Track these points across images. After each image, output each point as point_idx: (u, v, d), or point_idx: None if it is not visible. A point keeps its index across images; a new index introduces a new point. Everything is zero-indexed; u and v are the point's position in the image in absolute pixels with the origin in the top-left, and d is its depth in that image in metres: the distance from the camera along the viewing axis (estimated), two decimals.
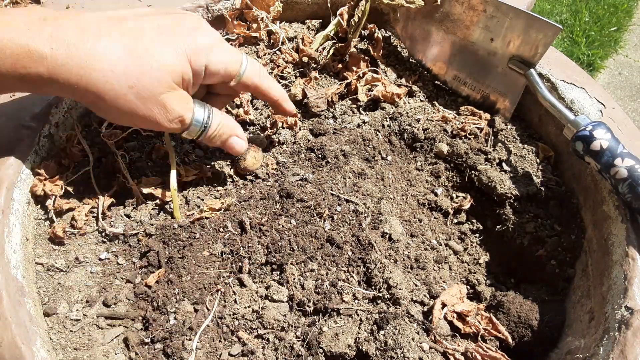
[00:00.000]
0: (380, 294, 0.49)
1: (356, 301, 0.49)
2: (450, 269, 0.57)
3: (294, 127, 0.63)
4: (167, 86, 0.45)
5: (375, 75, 0.66)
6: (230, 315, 0.48)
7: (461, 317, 0.50)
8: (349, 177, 0.57)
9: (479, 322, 0.49)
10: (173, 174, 0.55)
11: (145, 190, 0.56)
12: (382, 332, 0.46)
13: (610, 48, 2.42)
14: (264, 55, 0.70)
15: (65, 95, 0.48)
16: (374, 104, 0.67)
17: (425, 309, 0.50)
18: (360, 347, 0.46)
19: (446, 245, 0.59)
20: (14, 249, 0.47)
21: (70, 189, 0.55)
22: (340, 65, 0.69)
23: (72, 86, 0.42)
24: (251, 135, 0.63)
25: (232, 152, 0.55)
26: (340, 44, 0.69)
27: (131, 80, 0.43)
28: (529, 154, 0.62)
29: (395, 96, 0.66)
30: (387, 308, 0.48)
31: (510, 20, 0.59)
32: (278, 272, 0.51)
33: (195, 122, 0.49)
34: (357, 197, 0.55)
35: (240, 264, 0.51)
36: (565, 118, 0.54)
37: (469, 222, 0.62)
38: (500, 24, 0.60)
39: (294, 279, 0.50)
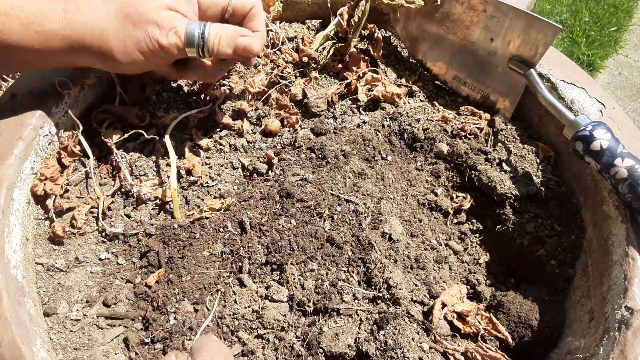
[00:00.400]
0: (380, 294, 0.49)
1: (356, 301, 0.49)
2: (450, 269, 0.57)
3: (295, 124, 0.64)
4: (155, 7, 0.50)
5: (375, 75, 0.66)
6: (230, 315, 0.48)
7: (461, 317, 0.50)
8: (349, 177, 0.57)
9: (479, 322, 0.49)
10: (173, 174, 0.55)
11: (145, 190, 0.56)
12: (382, 332, 0.46)
13: (610, 48, 2.42)
14: (264, 55, 0.70)
15: (79, 55, 0.52)
16: (374, 104, 0.67)
17: (425, 309, 0.50)
18: (360, 347, 0.46)
19: (446, 245, 0.59)
20: (14, 249, 0.47)
21: (70, 188, 0.55)
22: (340, 65, 0.69)
23: (82, 36, 0.49)
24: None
25: (247, 52, 0.54)
26: (340, 44, 0.69)
27: (125, 11, 0.50)
28: (529, 154, 0.62)
29: (395, 96, 0.66)
30: (387, 308, 0.48)
31: (510, 20, 0.59)
32: (278, 272, 0.51)
33: (191, 32, 0.52)
34: (357, 197, 0.55)
35: (240, 264, 0.51)
36: (565, 118, 0.54)
37: (469, 222, 0.62)
38: (500, 24, 0.60)
39: (294, 279, 0.50)
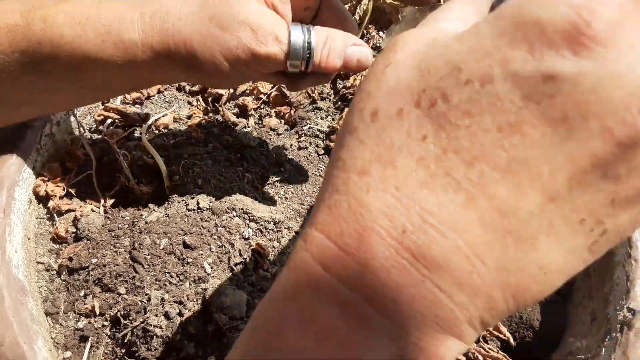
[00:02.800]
0: None
1: None
2: None
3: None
4: (246, 4, 0.40)
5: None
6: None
7: None
8: None
9: None
10: (164, 172, 0.54)
11: (146, 190, 0.56)
12: None
13: None
14: None
15: (164, 67, 0.43)
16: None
17: None
18: None
19: None
20: (15, 248, 0.47)
21: (72, 190, 0.55)
22: None
23: (164, 45, 0.40)
24: None
25: (361, 67, 0.43)
26: None
27: (210, 11, 0.40)
28: None
29: None
30: None
31: None
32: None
33: (295, 42, 0.40)
34: None
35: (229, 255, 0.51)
36: None
37: None
38: None
39: None
